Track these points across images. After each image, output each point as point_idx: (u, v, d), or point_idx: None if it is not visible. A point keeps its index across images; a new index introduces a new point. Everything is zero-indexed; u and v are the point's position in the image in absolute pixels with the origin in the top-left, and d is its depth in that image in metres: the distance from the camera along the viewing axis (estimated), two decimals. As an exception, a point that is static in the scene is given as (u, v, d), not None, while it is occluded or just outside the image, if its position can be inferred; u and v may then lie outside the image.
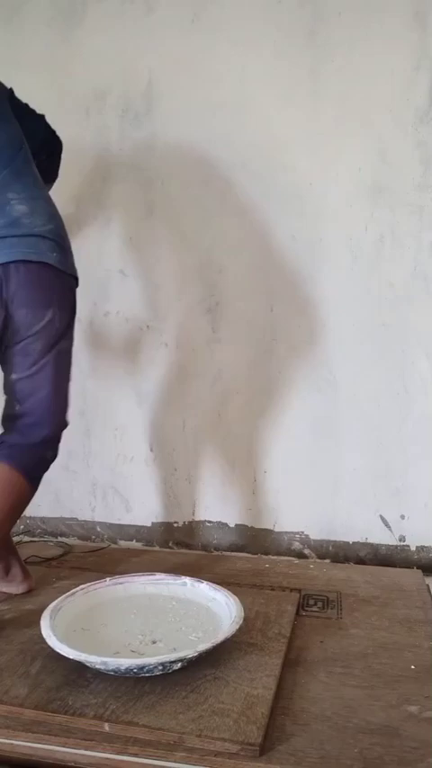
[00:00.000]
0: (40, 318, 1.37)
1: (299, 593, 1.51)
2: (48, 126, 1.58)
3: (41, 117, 1.56)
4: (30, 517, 2.11)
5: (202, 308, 1.90)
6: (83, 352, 2.02)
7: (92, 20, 1.89)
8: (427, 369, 1.79)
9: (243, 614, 1.22)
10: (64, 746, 0.98)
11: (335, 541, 1.88)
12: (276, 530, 1.92)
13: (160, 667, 1.09)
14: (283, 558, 1.88)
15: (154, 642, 1.20)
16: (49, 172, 1.60)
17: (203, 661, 1.14)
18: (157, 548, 2.00)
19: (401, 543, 1.85)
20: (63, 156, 1.60)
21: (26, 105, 1.52)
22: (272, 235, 1.83)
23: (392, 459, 1.83)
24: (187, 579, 1.40)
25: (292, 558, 1.87)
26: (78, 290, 1.98)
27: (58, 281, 1.41)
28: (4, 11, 1.95)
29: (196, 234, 1.88)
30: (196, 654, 1.10)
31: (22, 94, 1.92)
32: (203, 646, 1.11)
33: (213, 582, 1.37)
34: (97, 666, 1.10)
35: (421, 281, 1.76)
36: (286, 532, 1.91)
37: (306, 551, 1.90)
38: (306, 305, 1.84)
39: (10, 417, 1.44)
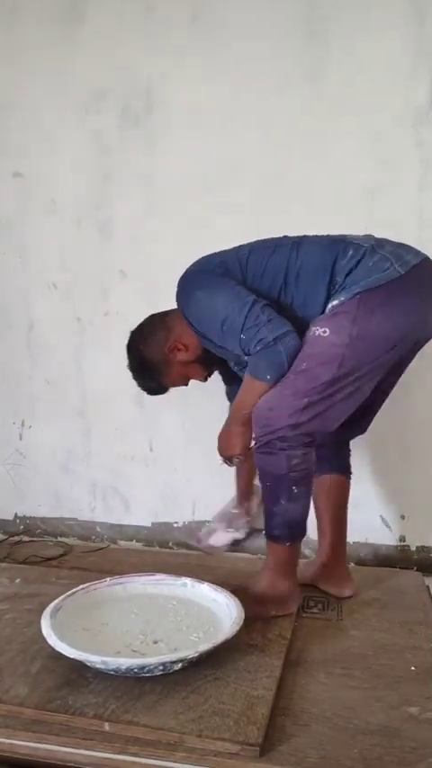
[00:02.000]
0: None
1: (299, 593, 1.50)
2: None
3: None
4: (30, 517, 2.11)
5: (203, 308, 1.89)
6: (83, 352, 2.02)
7: (92, 20, 1.89)
8: (427, 369, 1.79)
9: (244, 615, 1.21)
10: (64, 746, 0.98)
11: (335, 542, 1.88)
12: (276, 530, 1.92)
13: (161, 667, 1.09)
14: (283, 558, 1.87)
15: (155, 642, 1.19)
16: None
17: (204, 661, 1.14)
18: (157, 548, 2.00)
19: (401, 543, 1.85)
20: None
21: None
22: (271, 234, 1.83)
23: (392, 459, 1.83)
24: (188, 580, 1.40)
25: (292, 559, 1.86)
26: (78, 290, 2.00)
27: None
28: (5, 11, 1.95)
29: (196, 233, 1.87)
30: (197, 654, 1.10)
31: (22, 95, 1.93)
32: (204, 646, 1.11)
33: (213, 582, 1.37)
34: (97, 666, 1.10)
35: (421, 281, 1.76)
36: (286, 533, 1.91)
37: (306, 551, 1.90)
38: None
39: None
